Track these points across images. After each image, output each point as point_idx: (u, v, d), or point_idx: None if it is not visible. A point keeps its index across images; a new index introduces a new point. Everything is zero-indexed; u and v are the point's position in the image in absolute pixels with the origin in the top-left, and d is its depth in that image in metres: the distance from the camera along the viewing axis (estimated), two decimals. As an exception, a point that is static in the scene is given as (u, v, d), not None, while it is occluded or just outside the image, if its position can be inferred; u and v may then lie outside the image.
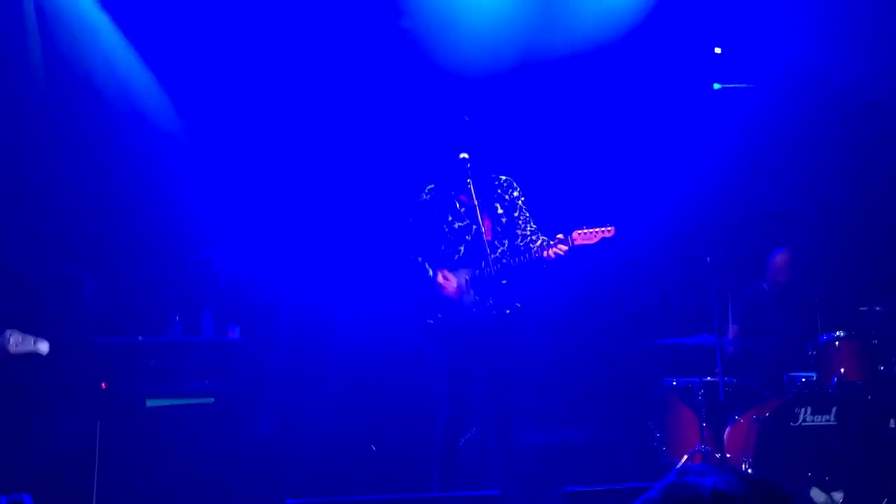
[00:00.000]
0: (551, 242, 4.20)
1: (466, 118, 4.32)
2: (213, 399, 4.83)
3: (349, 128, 5.81)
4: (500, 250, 4.33)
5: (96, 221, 5.32)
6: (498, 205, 4.34)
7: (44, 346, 4.04)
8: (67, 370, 4.55)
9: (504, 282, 4.27)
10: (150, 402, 4.75)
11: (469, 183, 4.17)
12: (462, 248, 4.34)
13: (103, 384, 4.68)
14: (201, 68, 5.51)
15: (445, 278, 4.24)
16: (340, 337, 5.77)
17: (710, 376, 5.01)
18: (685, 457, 4.94)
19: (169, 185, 5.48)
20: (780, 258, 5.60)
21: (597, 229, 4.20)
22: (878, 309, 5.15)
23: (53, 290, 4.81)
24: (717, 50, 6.05)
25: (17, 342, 3.97)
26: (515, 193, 4.41)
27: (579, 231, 4.19)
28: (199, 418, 4.77)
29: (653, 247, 6.20)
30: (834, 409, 4.67)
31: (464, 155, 4.17)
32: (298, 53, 5.64)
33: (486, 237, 4.24)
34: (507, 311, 4.27)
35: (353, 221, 5.69)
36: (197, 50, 5.48)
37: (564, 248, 4.17)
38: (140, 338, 4.86)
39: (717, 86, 5.67)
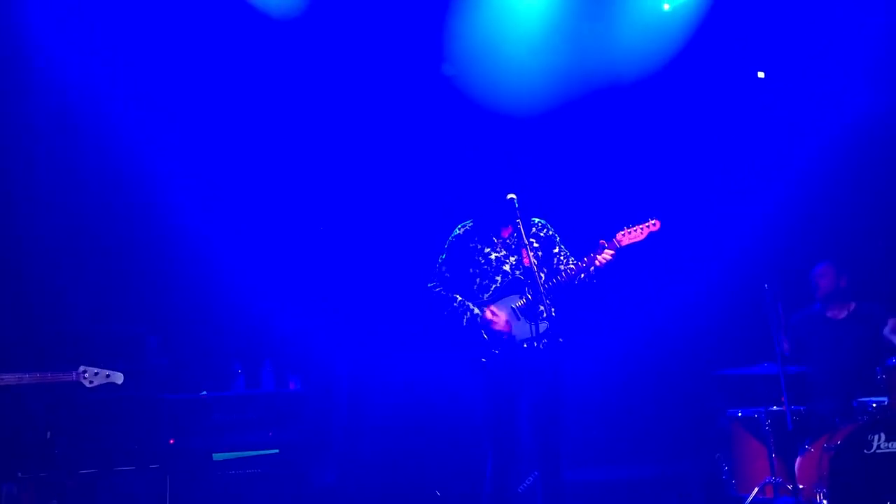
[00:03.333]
0: (596, 252, 4.01)
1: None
2: (277, 450, 4.88)
3: (398, 176, 5.91)
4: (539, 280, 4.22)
5: (157, 280, 5.46)
6: (534, 240, 4.22)
7: (118, 378, 4.06)
8: (137, 426, 4.65)
9: (549, 312, 4.17)
10: (216, 456, 4.82)
11: (518, 223, 4.09)
12: (499, 279, 4.19)
13: (171, 440, 4.77)
14: (254, 119, 5.67)
15: (494, 314, 4.10)
16: (397, 384, 5.79)
17: (775, 405, 4.90)
18: (756, 489, 4.84)
19: (227, 241, 5.61)
20: (821, 271, 5.50)
21: (641, 225, 3.99)
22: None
23: (118, 349, 4.92)
24: (761, 74, 6.04)
25: (93, 376, 4.03)
26: (550, 233, 4.29)
27: (622, 231, 3.99)
28: (264, 469, 4.82)
29: (707, 273, 6.14)
30: (909, 435, 4.53)
31: (511, 196, 4.09)
32: (341, 95, 5.79)
33: (525, 263, 4.13)
34: (558, 342, 4.06)
35: (403, 268, 5.74)
36: (248, 101, 5.64)
37: (611, 252, 4.00)
38: (204, 392, 4.95)
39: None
